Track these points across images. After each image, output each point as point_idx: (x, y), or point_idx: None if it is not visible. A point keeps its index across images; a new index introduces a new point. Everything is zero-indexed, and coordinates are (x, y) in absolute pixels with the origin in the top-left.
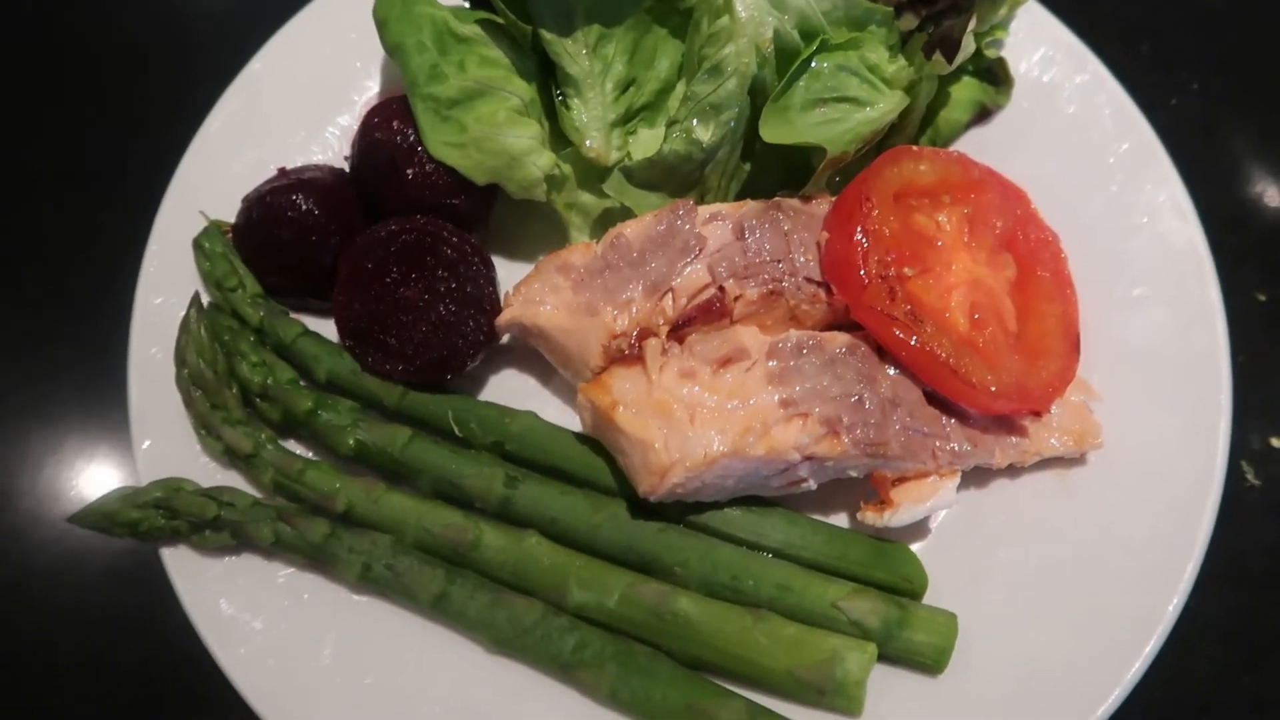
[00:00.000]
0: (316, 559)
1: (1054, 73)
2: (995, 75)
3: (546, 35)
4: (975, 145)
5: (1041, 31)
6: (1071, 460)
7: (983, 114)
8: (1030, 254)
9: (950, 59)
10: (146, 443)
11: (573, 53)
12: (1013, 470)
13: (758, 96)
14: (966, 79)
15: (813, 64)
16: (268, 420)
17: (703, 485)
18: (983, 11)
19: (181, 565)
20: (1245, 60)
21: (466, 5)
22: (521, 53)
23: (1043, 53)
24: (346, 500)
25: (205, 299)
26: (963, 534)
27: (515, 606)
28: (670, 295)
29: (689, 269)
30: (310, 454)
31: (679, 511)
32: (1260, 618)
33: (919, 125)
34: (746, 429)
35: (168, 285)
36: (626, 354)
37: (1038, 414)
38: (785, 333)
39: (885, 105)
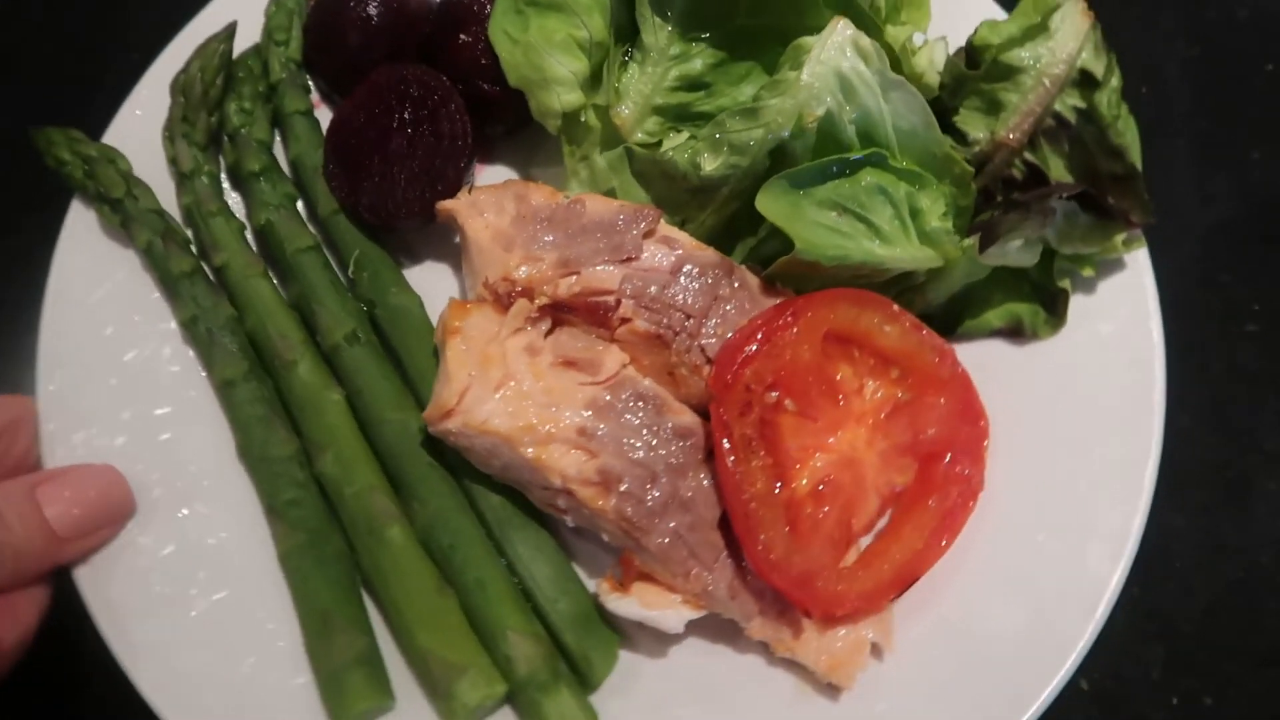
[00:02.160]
0: (165, 284)
1: (1107, 354)
2: (1054, 303)
3: None
4: (981, 348)
5: (1127, 294)
6: (823, 683)
7: (1014, 332)
8: (939, 481)
9: (982, 248)
10: (138, 112)
11: (656, 24)
12: (768, 650)
13: (783, 163)
14: (1022, 288)
15: (859, 171)
16: (225, 161)
17: (472, 447)
18: (1068, 231)
19: (80, 216)
20: None
21: None
22: None
23: (1118, 313)
24: (226, 259)
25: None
26: (687, 667)
27: (276, 435)
28: (574, 278)
29: (605, 267)
30: (238, 214)
31: (459, 460)
32: None
33: (944, 304)
34: (531, 428)
35: (237, 13)
36: (502, 299)
37: (808, 615)
38: (643, 378)
39: (903, 254)
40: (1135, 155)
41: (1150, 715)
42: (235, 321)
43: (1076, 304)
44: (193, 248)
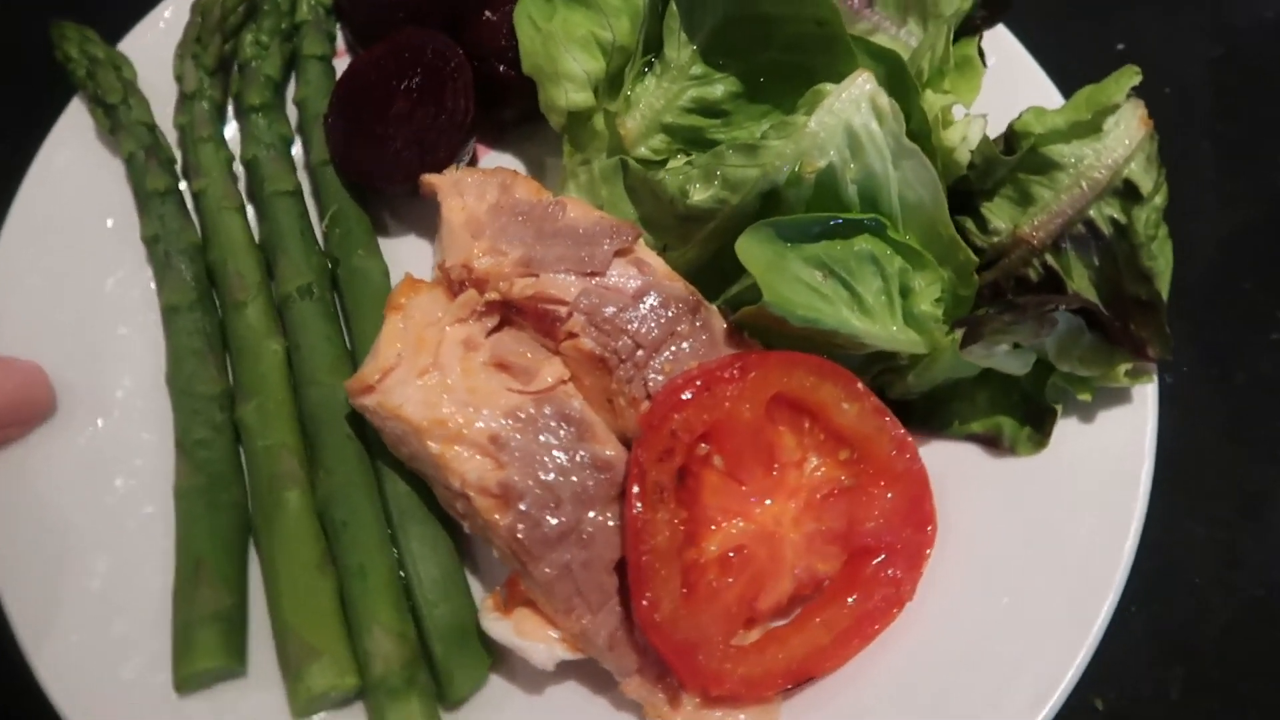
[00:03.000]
0: (139, 197)
1: (1084, 493)
2: (1040, 421)
3: (673, 6)
4: (949, 449)
5: (1123, 430)
6: None
7: (992, 442)
8: (865, 579)
9: (964, 343)
10: (161, 25)
11: (681, 40)
12: (640, 711)
13: (774, 208)
14: (1010, 398)
15: (854, 235)
16: (229, 89)
17: (384, 429)
18: (1068, 347)
19: (76, 115)
20: None
21: None
22: (653, 6)
23: (1108, 450)
24: (204, 186)
25: None
26: (558, 709)
27: (206, 371)
28: (532, 280)
29: (565, 276)
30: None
31: (378, 440)
32: None
33: (925, 395)
34: (442, 423)
35: None
36: (454, 285)
37: (684, 686)
38: (576, 399)
39: (882, 332)
40: (1164, 284)
41: None
42: (196, 249)
43: (1065, 427)
44: (177, 169)
